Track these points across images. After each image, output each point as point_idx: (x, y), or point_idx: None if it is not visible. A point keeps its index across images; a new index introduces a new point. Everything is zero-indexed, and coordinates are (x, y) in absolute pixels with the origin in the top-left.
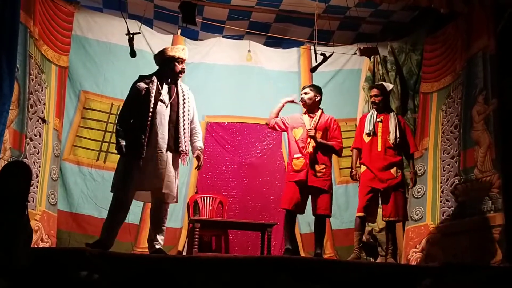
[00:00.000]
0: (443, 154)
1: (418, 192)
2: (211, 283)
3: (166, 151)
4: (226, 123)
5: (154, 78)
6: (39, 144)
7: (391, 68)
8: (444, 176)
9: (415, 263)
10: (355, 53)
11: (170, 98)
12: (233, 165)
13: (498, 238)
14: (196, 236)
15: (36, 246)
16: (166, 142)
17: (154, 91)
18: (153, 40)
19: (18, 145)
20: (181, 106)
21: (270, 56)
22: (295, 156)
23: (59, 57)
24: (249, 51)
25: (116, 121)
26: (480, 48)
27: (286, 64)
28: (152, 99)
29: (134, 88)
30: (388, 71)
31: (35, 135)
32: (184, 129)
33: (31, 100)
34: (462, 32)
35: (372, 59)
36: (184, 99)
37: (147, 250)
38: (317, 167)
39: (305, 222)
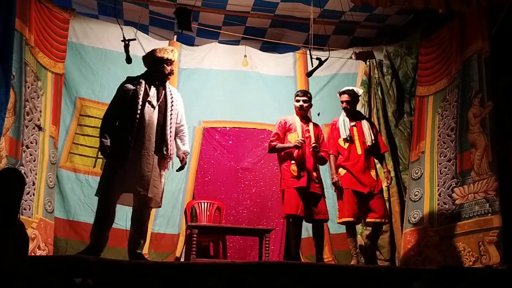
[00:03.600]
0: (440, 157)
1: (416, 195)
2: None
3: (153, 154)
4: (223, 128)
5: (142, 80)
6: (36, 151)
7: (387, 71)
8: (441, 179)
9: (413, 266)
10: (350, 57)
11: (158, 100)
12: (230, 170)
13: (495, 240)
14: (194, 242)
15: (33, 254)
16: (153, 145)
17: (142, 92)
18: (149, 46)
19: (14, 153)
20: (168, 109)
21: (266, 61)
22: (292, 162)
23: (55, 64)
24: (245, 56)
25: (101, 122)
26: (474, 51)
27: (282, 69)
28: (140, 100)
29: (121, 89)
30: (384, 74)
31: (31, 143)
32: (171, 132)
33: (27, 108)
34: (457, 35)
35: (367, 63)
36: (172, 101)
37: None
38: (314, 174)
39: (303, 227)
